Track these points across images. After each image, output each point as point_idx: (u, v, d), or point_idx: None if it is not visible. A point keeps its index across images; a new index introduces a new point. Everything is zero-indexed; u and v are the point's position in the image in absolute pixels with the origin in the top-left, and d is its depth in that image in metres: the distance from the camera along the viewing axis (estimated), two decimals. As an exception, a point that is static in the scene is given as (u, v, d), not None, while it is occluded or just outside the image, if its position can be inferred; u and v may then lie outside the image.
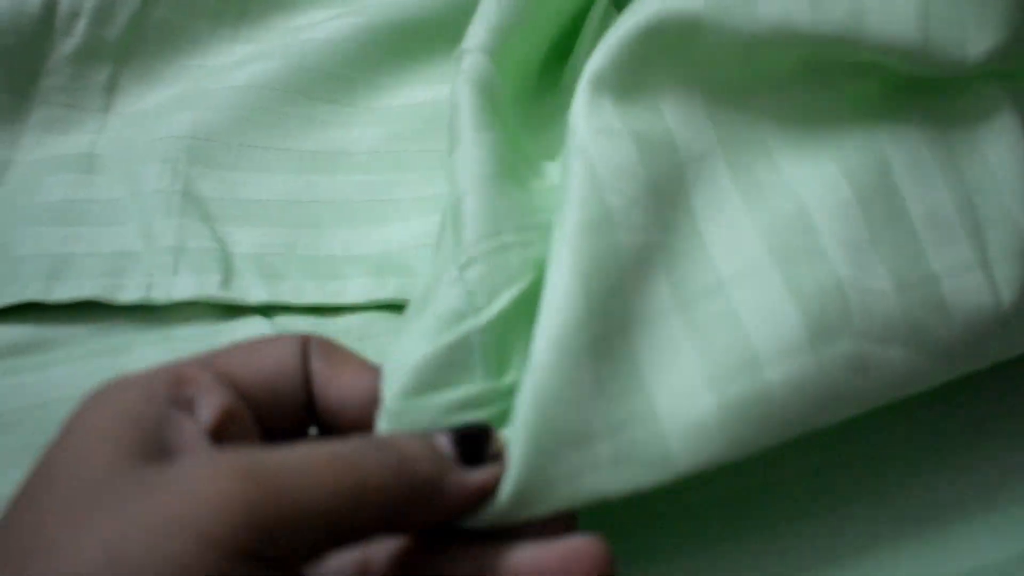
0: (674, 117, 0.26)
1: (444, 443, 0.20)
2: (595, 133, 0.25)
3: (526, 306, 0.23)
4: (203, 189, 0.34)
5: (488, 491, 0.20)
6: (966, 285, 0.24)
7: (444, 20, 0.39)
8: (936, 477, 0.26)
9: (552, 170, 0.29)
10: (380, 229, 0.35)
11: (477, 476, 0.20)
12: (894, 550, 0.24)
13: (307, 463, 0.17)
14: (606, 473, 0.21)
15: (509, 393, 0.22)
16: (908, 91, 0.27)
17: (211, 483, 0.16)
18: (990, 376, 0.28)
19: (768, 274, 0.24)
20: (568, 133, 0.25)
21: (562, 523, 0.21)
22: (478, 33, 0.30)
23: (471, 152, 0.26)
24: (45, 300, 0.31)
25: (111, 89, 0.38)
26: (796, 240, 0.24)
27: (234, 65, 0.38)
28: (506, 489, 0.20)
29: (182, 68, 0.39)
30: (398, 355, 0.22)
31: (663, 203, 0.25)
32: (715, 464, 0.22)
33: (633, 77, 0.26)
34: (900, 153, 0.26)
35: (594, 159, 0.24)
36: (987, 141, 0.26)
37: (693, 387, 0.22)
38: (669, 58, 0.26)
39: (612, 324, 0.22)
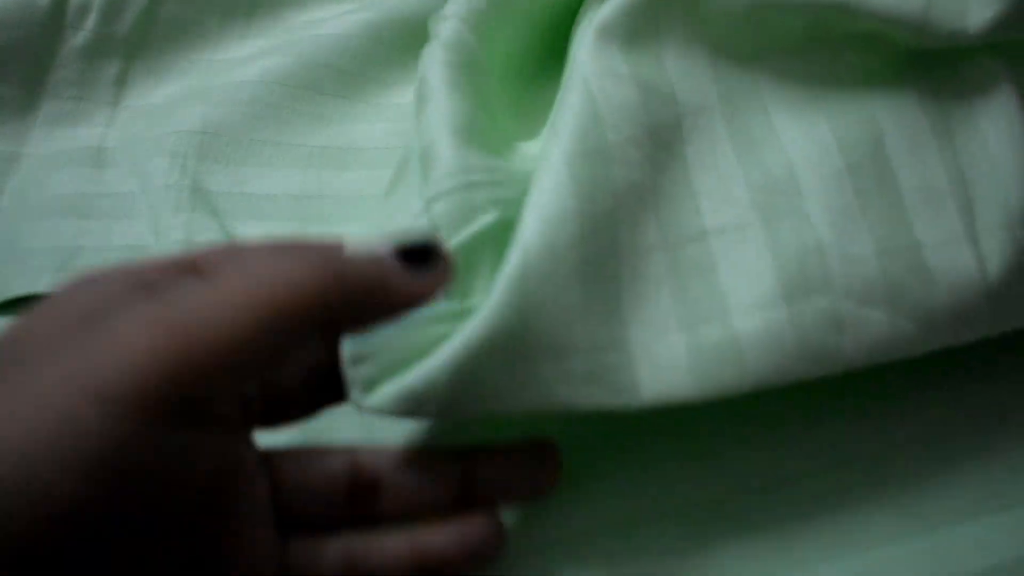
0: (677, 70, 0.27)
1: (386, 251, 0.20)
2: (599, 72, 0.26)
3: (491, 240, 0.24)
4: (212, 184, 0.34)
5: (432, 293, 0.21)
6: (952, 255, 0.25)
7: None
8: (946, 476, 0.26)
9: (528, 149, 0.30)
10: (389, 224, 0.35)
11: (426, 277, 0.21)
12: (902, 549, 0.24)
13: (223, 297, 0.17)
14: (577, 388, 0.22)
15: (470, 314, 0.23)
16: (910, 64, 0.27)
17: (119, 338, 0.16)
18: (1000, 372, 0.28)
19: (750, 230, 0.25)
20: (570, 70, 0.27)
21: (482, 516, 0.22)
22: (458, 2, 0.31)
23: (443, 106, 0.27)
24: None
25: (121, 83, 0.38)
26: (782, 201, 0.25)
27: (244, 60, 0.38)
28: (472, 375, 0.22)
29: (191, 63, 0.39)
30: None
31: (659, 148, 0.26)
32: (682, 402, 0.23)
33: (640, 29, 0.27)
34: (896, 126, 0.26)
35: (596, 96, 0.25)
36: (985, 116, 0.26)
37: (666, 325, 0.24)
38: (675, 14, 0.27)
39: (602, 249, 0.24)
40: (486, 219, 0.24)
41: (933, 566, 0.24)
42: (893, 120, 0.26)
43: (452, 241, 0.24)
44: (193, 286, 0.18)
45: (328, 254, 0.19)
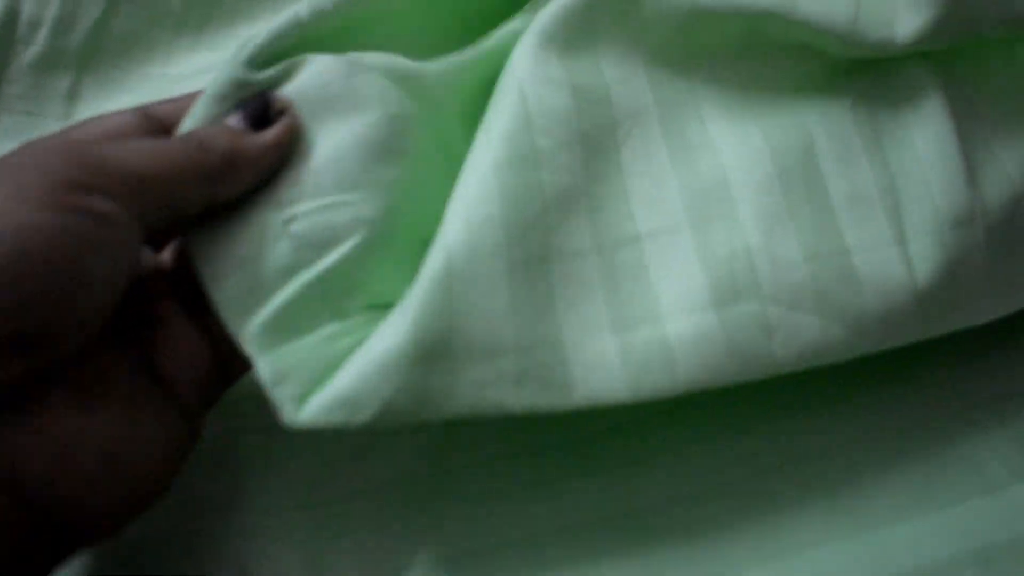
0: (614, 77, 0.27)
1: (234, 120, 0.24)
2: (534, 78, 0.26)
3: (365, 255, 0.24)
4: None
5: (284, 144, 0.24)
6: (880, 260, 0.25)
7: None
8: (880, 477, 0.26)
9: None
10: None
11: (270, 133, 0.24)
12: (836, 550, 0.25)
13: (125, 149, 0.21)
14: (509, 389, 0.23)
15: (377, 322, 0.23)
16: (843, 73, 0.28)
17: (37, 154, 0.20)
18: (931, 376, 0.28)
19: (682, 235, 0.25)
20: (505, 74, 0.27)
21: None
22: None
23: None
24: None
25: (72, 97, 0.38)
26: (714, 206, 0.26)
27: (195, 73, 0.38)
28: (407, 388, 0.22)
29: (143, 76, 0.39)
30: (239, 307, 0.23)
31: (592, 153, 0.26)
32: (615, 402, 0.23)
33: (577, 36, 0.27)
34: (827, 134, 0.27)
35: (529, 100, 0.26)
36: (914, 124, 0.27)
37: (599, 326, 0.24)
38: (613, 22, 0.28)
39: (531, 253, 0.24)
40: (353, 241, 0.24)
41: (867, 567, 0.24)
42: (824, 128, 0.27)
43: (324, 263, 0.24)
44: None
45: (189, 136, 0.23)
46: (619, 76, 0.28)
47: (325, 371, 0.23)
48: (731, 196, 0.26)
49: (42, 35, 0.38)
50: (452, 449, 0.27)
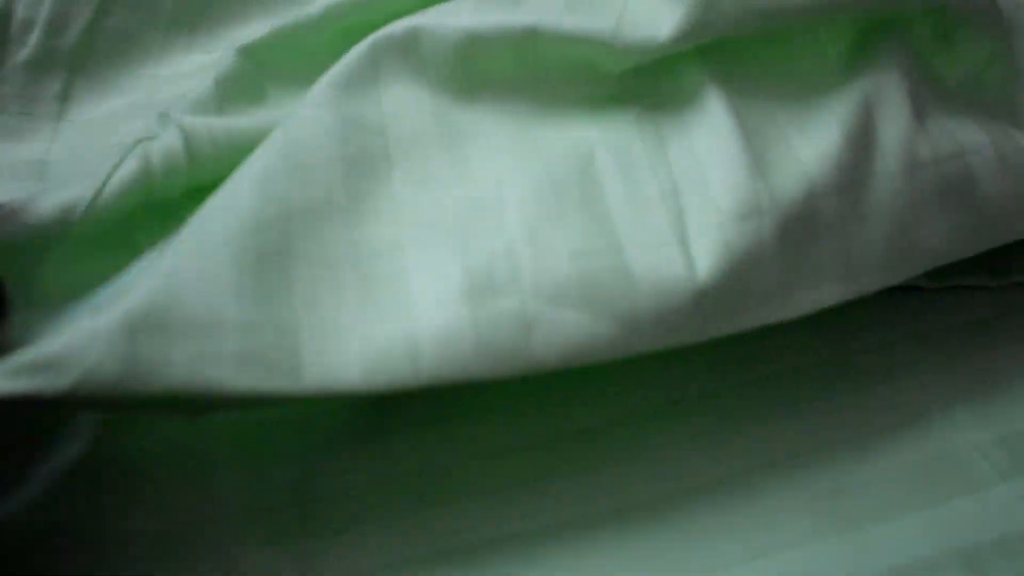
0: (393, 110, 0.28)
1: None
2: (307, 106, 0.27)
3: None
4: (153, 197, 0.34)
5: None
6: (657, 257, 0.25)
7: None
8: (863, 475, 0.26)
9: None
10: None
11: None
12: (819, 549, 0.25)
13: None
14: (229, 368, 0.22)
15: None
16: (630, 91, 0.28)
17: None
18: (916, 370, 0.28)
19: (445, 239, 0.25)
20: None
21: None
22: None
23: None
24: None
25: (64, 98, 0.38)
26: (481, 215, 0.26)
27: (187, 75, 0.38)
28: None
29: (136, 77, 0.39)
30: None
31: (359, 174, 0.26)
32: (349, 391, 0.23)
33: (360, 79, 0.28)
34: (608, 147, 0.27)
35: (298, 123, 0.26)
36: (694, 124, 0.27)
37: (343, 322, 0.24)
38: (396, 60, 0.28)
39: (266, 247, 0.24)
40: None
41: (852, 566, 0.24)
42: (605, 141, 0.27)
43: None
44: None
45: None
46: (399, 110, 0.28)
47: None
48: (501, 203, 0.26)
49: (35, 36, 0.38)
50: (443, 447, 0.28)
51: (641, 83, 0.28)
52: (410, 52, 0.28)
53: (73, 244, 0.27)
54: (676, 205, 0.26)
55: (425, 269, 0.25)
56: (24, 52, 0.38)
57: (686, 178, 0.26)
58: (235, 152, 0.28)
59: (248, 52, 0.32)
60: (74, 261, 0.27)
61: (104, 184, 0.27)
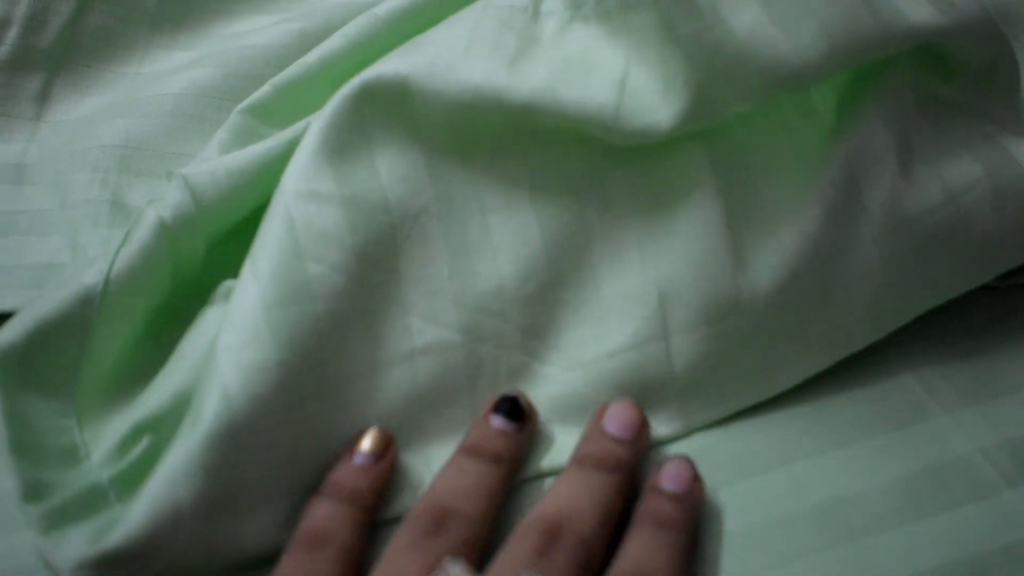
0: (390, 176, 0.27)
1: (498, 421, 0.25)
2: (301, 197, 0.26)
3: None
4: (133, 199, 0.33)
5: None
6: (640, 359, 0.26)
7: (389, 28, 0.38)
8: (867, 484, 0.25)
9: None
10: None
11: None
12: (825, 560, 0.24)
13: None
14: (283, 530, 0.24)
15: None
16: (623, 155, 0.27)
17: None
18: (919, 375, 0.28)
19: (455, 355, 0.26)
20: (275, 195, 0.26)
21: None
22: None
23: None
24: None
25: (43, 98, 0.37)
26: (487, 323, 0.26)
27: (170, 72, 0.37)
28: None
29: (116, 76, 0.38)
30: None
31: (370, 267, 0.26)
32: None
33: (352, 137, 0.27)
34: (603, 230, 0.27)
35: (297, 224, 0.25)
36: (683, 217, 0.27)
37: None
38: (386, 119, 0.27)
39: (307, 391, 0.24)
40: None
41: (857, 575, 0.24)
42: (600, 222, 0.27)
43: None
44: None
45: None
46: (397, 175, 0.27)
47: (88, 503, 0.24)
48: (504, 312, 0.27)
49: (12, 34, 0.37)
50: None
51: (637, 155, 0.27)
52: (399, 110, 0.27)
53: (110, 323, 0.27)
54: (659, 301, 0.26)
55: (438, 385, 0.26)
56: (1, 51, 0.37)
57: (670, 270, 0.26)
58: (237, 189, 0.28)
59: (250, 111, 0.32)
60: (117, 337, 0.27)
61: (113, 262, 0.27)
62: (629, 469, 0.24)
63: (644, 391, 0.26)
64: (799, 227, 0.26)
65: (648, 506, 0.23)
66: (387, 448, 0.25)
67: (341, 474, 0.24)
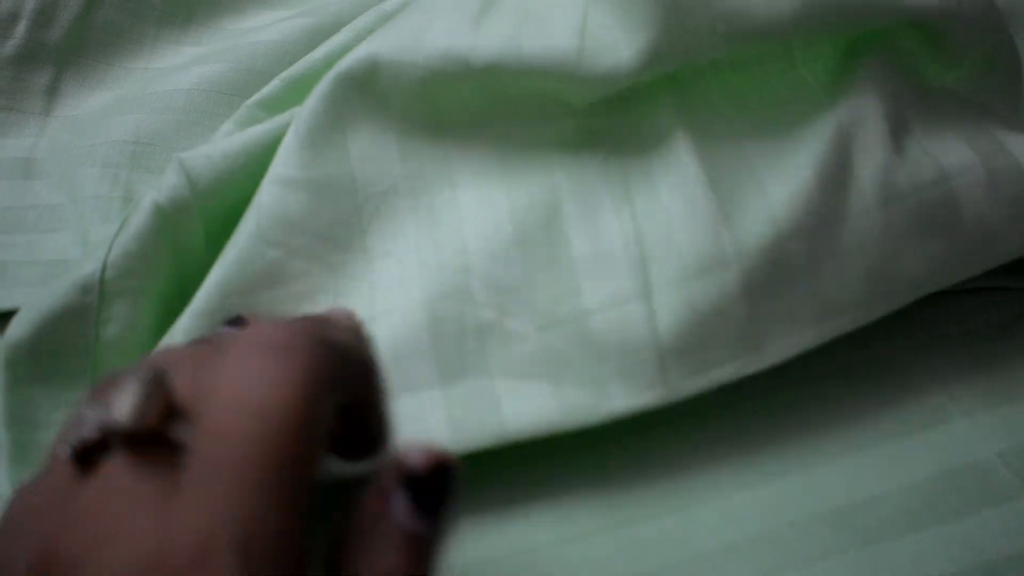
0: (360, 156, 0.28)
1: None
2: (271, 182, 0.27)
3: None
4: (144, 194, 0.33)
5: None
6: (620, 316, 0.25)
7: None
8: (881, 488, 0.25)
9: None
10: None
11: None
12: (841, 564, 0.24)
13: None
14: None
15: None
16: (597, 130, 0.27)
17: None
18: (931, 378, 0.27)
19: (415, 312, 0.26)
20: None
21: None
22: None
23: None
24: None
25: (52, 92, 0.37)
26: (450, 280, 0.26)
27: (179, 68, 0.37)
28: None
29: (125, 71, 0.38)
30: None
31: (334, 248, 0.27)
32: None
33: (328, 119, 0.28)
34: (574, 193, 0.26)
35: (262, 211, 0.26)
36: (660, 171, 0.26)
37: None
38: (359, 99, 0.28)
39: None
40: None
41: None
42: (572, 186, 0.26)
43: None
44: None
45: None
46: (367, 154, 0.28)
47: None
48: (468, 267, 0.26)
49: (21, 28, 0.37)
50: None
51: (608, 121, 0.27)
52: (371, 89, 0.28)
53: (112, 308, 0.27)
54: (640, 255, 0.25)
55: (394, 344, 0.25)
56: (10, 45, 0.37)
57: (651, 230, 0.25)
58: (233, 172, 0.29)
59: (259, 105, 0.33)
60: (125, 323, 0.27)
61: (110, 248, 0.27)
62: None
63: (624, 352, 0.24)
64: (789, 188, 0.25)
65: None
66: None
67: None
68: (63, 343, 0.26)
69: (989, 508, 0.25)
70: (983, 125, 0.27)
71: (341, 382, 0.17)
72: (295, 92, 0.33)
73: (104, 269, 0.27)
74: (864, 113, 0.26)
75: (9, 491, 0.24)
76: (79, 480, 0.16)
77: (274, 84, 0.33)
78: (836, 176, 0.25)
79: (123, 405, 0.16)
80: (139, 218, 0.27)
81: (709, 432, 0.26)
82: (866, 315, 0.25)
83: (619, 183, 0.26)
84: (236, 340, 0.17)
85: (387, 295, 0.26)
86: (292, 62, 0.37)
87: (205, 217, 0.29)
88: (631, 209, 0.26)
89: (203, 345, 0.19)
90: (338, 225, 0.27)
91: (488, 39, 0.26)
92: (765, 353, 0.25)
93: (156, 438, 0.16)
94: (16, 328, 0.26)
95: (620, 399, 0.24)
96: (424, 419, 0.24)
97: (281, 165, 0.27)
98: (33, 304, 0.27)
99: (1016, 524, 0.24)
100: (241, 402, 0.15)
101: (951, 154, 0.26)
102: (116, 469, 0.16)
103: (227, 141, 0.29)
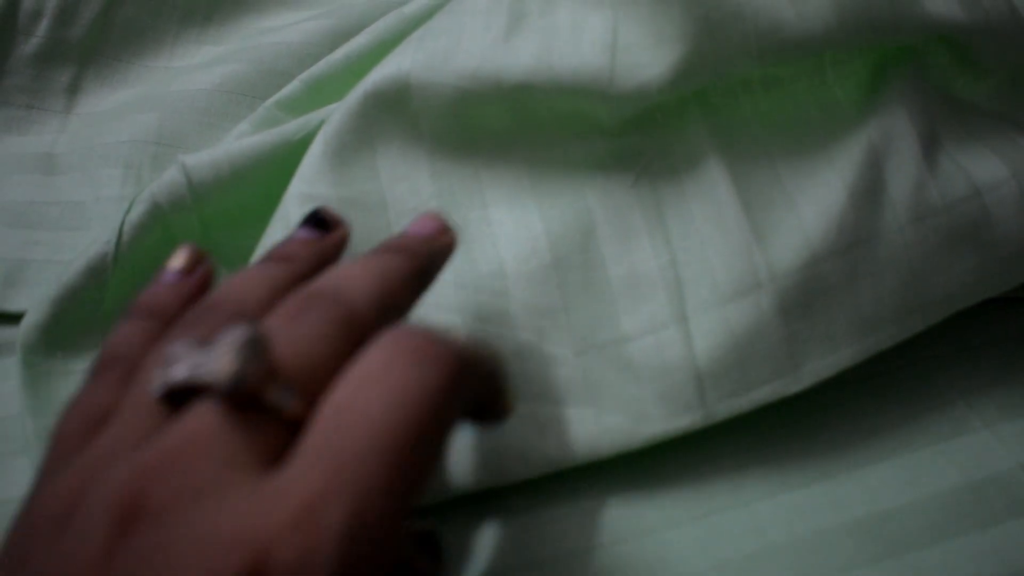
0: (390, 176, 0.27)
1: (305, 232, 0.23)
2: (300, 199, 0.27)
3: None
4: (166, 195, 0.33)
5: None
6: (657, 340, 0.25)
7: (416, 27, 0.38)
8: (910, 498, 0.25)
9: None
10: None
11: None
12: (865, 571, 0.24)
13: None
14: None
15: None
16: (628, 150, 0.27)
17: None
18: (957, 387, 0.27)
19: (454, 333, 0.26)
20: (284, 197, 0.27)
21: None
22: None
23: None
24: (1, 309, 0.31)
25: (73, 90, 0.37)
26: (488, 304, 0.26)
27: (200, 67, 0.37)
28: None
29: (146, 69, 0.38)
30: None
31: None
32: None
33: (356, 138, 0.27)
34: (607, 215, 0.26)
35: (290, 228, 0.26)
36: (693, 194, 0.26)
37: None
38: (389, 117, 0.27)
39: None
40: None
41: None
42: (605, 208, 0.26)
43: None
44: None
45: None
46: (397, 174, 0.27)
47: None
48: (506, 290, 0.26)
49: (43, 26, 0.37)
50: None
51: (639, 140, 0.27)
52: (401, 108, 0.27)
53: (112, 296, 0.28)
54: (676, 282, 0.25)
55: None
56: (32, 43, 0.37)
57: (685, 252, 0.26)
58: (237, 176, 0.29)
59: (277, 105, 0.33)
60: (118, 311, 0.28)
61: (120, 233, 0.28)
62: (421, 258, 0.22)
63: (663, 376, 0.25)
64: (822, 207, 0.25)
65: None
66: (197, 264, 0.22)
67: (146, 295, 0.22)
68: (75, 323, 0.28)
69: (1013, 519, 0.25)
70: (1014, 138, 0.27)
71: (470, 387, 0.18)
72: (314, 93, 0.33)
73: (118, 245, 0.28)
74: (896, 130, 0.26)
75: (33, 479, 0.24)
76: (162, 424, 0.16)
77: (294, 85, 0.33)
78: (869, 194, 0.25)
79: (223, 362, 0.16)
80: (136, 216, 0.29)
81: (731, 441, 0.26)
82: (902, 331, 0.26)
83: (652, 205, 0.26)
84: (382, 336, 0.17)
85: (422, 316, 0.26)
86: (314, 64, 0.37)
87: (203, 217, 0.29)
88: (664, 232, 0.26)
89: (288, 291, 0.20)
90: (369, 244, 0.26)
91: (519, 57, 0.26)
92: (802, 374, 0.25)
93: (253, 400, 0.16)
94: (31, 315, 0.28)
95: (659, 423, 0.25)
96: (467, 445, 0.25)
97: (308, 183, 0.27)
98: (45, 292, 0.28)
99: (1039, 536, 0.24)
100: (379, 382, 0.16)
101: (984, 168, 0.26)
102: (206, 420, 0.16)
103: (236, 145, 0.29)
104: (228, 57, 0.37)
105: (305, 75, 0.33)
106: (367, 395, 0.16)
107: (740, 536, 0.25)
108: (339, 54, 0.34)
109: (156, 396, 0.17)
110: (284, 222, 0.27)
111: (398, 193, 0.27)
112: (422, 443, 0.16)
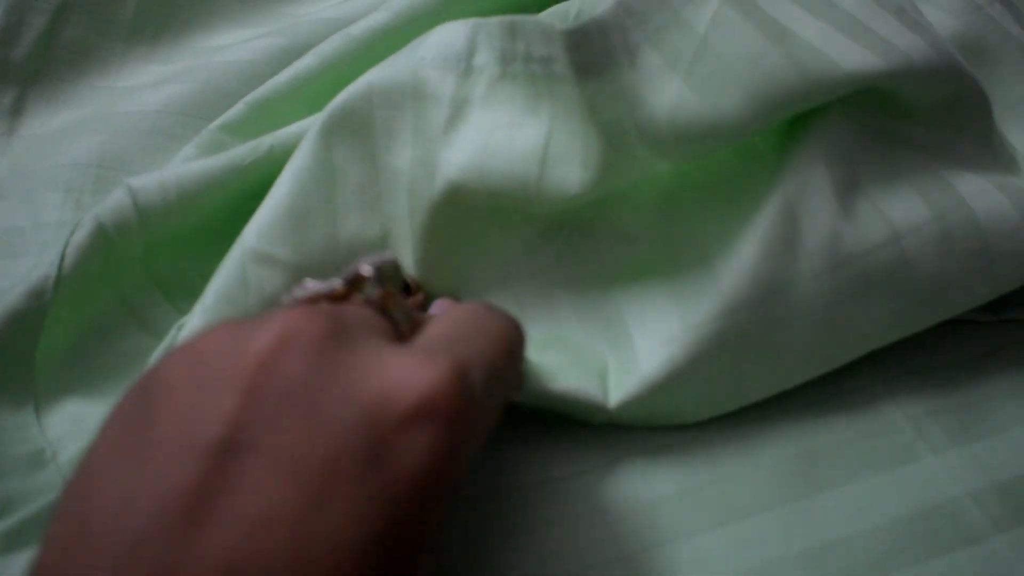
0: (349, 245, 0.28)
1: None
2: (258, 258, 0.27)
3: None
4: (107, 220, 0.32)
5: None
6: (578, 386, 0.26)
7: (363, 47, 0.38)
8: (860, 527, 0.25)
9: None
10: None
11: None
12: None
13: None
14: None
15: None
16: (554, 232, 0.28)
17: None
18: (905, 413, 0.27)
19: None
20: (237, 244, 0.28)
21: None
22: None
23: None
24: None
25: (16, 112, 0.36)
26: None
27: (147, 87, 0.36)
28: None
29: (92, 89, 0.37)
30: None
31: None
32: None
33: (317, 203, 0.28)
34: (540, 300, 0.28)
35: (250, 288, 0.27)
36: (610, 258, 0.28)
37: None
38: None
39: None
40: None
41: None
42: (537, 296, 0.28)
43: None
44: None
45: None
46: (357, 244, 0.28)
47: None
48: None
49: (-16, 46, 0.36)
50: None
51: (563, 221, 0.28)
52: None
53: (53, 320, 0.28)
54: (612, 339, 0.27)
55: None
56: (-27, 64, 0.36)
57: (624, 323, 0.27)
58: (185, 201, 0.29)
59: (222, 128, 0.33)
60: (59, 333, 0.28)
61: (63, 256, 0.28)
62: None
63: (581, 413, 0.26)
64: (733, 263, 0.26)
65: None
66: None
67: None
68: (15, 349, 0.27)
69: (961, 549, 0.24)
70: (940, 173, 0.27)
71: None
72: (260, 115, 0.33)
73: (60, 273, 0.28)
74: (812, 179, 0.26)
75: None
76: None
77: (239, 108, 0.33)
78: (782, 245, 0.25)
79: (364, 268, 0.21)
80: (80, 239, 0.28)
81: (668, 471, 0.26)
82: (813, 372, 0.27)
83: (577, 287, 0.28)
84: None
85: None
86: (260, 84, 0.36)
87: (148, 242, 0.29)
88: (593, 309, 0.28)
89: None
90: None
91: (453, 156, 0.26)
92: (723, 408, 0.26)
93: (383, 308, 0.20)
94: None
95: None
96: None
97: (267, 241, 0.27)
98: None
99: (988, 567, 0.24)
100: (484, 316, 0.22)
101: (904, 211, 0.26)
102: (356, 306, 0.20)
103: (184, 168, 0.29)
104: (176, 77, 0.37)
105: (250, 97, 0.33)
106: (478, 314, 0.22)
107: (687, 572, 0.24)
108: (285, 76, 0.33)
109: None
110: (242, 282, 0.26)
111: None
112: (512, 362, 0.22)
